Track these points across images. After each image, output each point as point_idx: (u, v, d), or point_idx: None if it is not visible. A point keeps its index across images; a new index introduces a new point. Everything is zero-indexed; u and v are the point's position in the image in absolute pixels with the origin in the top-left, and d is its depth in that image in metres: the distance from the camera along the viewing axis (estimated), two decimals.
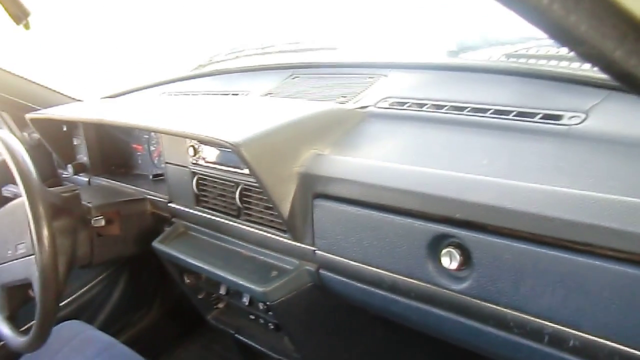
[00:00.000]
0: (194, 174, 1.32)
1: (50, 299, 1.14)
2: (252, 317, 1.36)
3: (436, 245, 0.86)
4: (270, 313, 1.24)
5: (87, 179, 1.72)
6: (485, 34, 1.33)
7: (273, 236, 1.15)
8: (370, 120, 1.16)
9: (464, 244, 0.83)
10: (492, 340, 0.83)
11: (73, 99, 1.86)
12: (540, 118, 0.94)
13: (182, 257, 1.30)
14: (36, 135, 1.78)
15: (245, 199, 1.20)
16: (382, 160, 0.97)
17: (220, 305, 1.49)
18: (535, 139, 0.90)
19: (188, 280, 1.44)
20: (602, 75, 0.95)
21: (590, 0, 0.23)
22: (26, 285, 1.23)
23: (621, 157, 0.81)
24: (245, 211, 1.21)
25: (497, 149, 0.92)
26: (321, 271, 1.07)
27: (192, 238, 1.38)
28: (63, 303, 1.71)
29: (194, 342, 2.00)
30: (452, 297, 0.86)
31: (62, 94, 1.84)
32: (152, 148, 1.66)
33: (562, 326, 0.74)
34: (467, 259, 0.83)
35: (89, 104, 1.76)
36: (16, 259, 1.24)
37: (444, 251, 0.85)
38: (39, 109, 1.68)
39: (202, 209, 1.33)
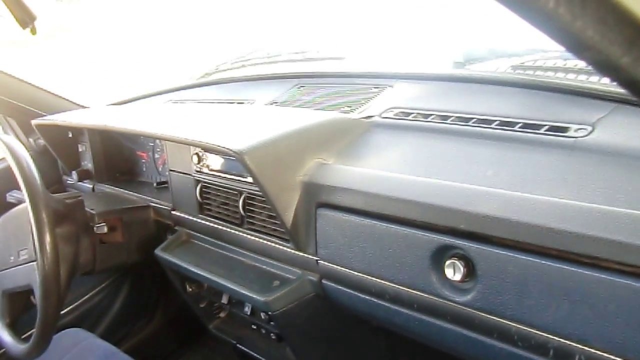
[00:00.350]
0: (198, 181, 1.32)
1: (52, 306, 1.13)
2: (254, 327, 1.35)
3: (440, 256, 0.85)
4: (272, 323, 1.23)
5: (91, 186, 1.72)
6: (492, 46, 1.33)
7: (276, 245, 1.14)
8: (375, 130, 1.15)
9: (468, 256, 0.82)
10: (496, 354, 0.82)
11: (79, 105, 1.87)
12: (547, 130, 0.94)
13: (184, 265, 1.30)
14: (42, 141, 1.79)
15: (248, 207, 1.20)
16: (387, 170, 0.97)
17: (222, 315, 1.49)
18: (541, 151, 0.90)
19: (190, 289, 1.43)
20: (609, 88, 0.94)
21: (597, 5, 0.22)
22: (28, 292, 1.22)
23: (628, 170, 0.80)
24: (249, 220, 1.21)
25: (503, 160, 0.91)
26: (324, 281, 1.06)
27: (195, 246, 1.37)
28: (64, 311, 1.70)
29: (195, 352, 1.99)
30: (455, 309, 0.85)
31: (68, 100, 1.85)
32: (156, 155, 1.66)
33: (568, 340, 0.72)
34: (471, 271, 0.82)
35: (95, 111, 1.76)
36: (18, 265, 1.23)
37: (447, 262, 0.84)
38: (45, 115, 1.69)
39: (205, 217, 1.33)
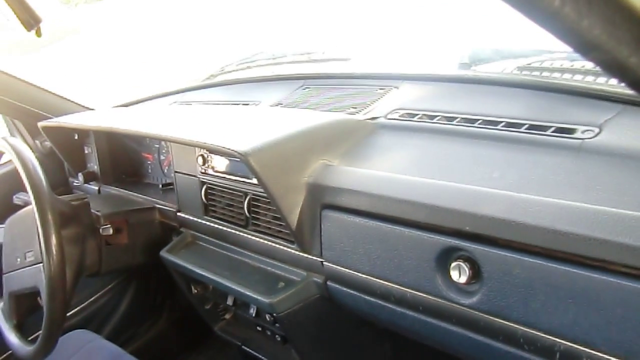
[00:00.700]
0: (203, 183, 1.32)
1: (58, 307, 1.13)
2: (259, 328, 1.35)
3: (445, 258, 0.85)
4: (277, 325, 1.23)
5: (97, 188, 1.73)
6: (498, 47, 1.32)
7: (281, 247, 1.14)
8: (381, 131, 1.15)
9: (473, 258, 0.81)
10: (502, 357, 0.81)
11: (85, 107, 1.87)
12: (553, 131, 0.93)
13: (189, 267, 1.30)
14: (48, 143, 1.79)
15: (253, 209, 1.20)
16: (392, 171, 0.96)
17: (227, 316, 1.48)
18: (548, 153, 0.89)
19: (195, 291, 1.43)
20: (616, 89, 0.94)
21: (604, 4, 0.22)
22: (34, 294, 1.23)
23: (635, 172, 0.79)
24: (254, 221, 1.21)
25: (509, 161, 0.91)
26: (329, 283, 1.06)
27: (200, 248, 1.37)
28: (71, 312, 1.71)
29: (201, 354, 1.99)
30: (461, 312, 0.85)
31: (74, 102, 1.85)
32: (162, 157, 1.66)
33: (574, 344, 0.72)
34: (476, 273, 0.81)
35: (101, 113, 1.77)
36: (25, 267, 1.24)
37: (453, 264, 0.83)
38: (52, 117, 1.70)
39: (210, 218, 1.33)
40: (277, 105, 1.48)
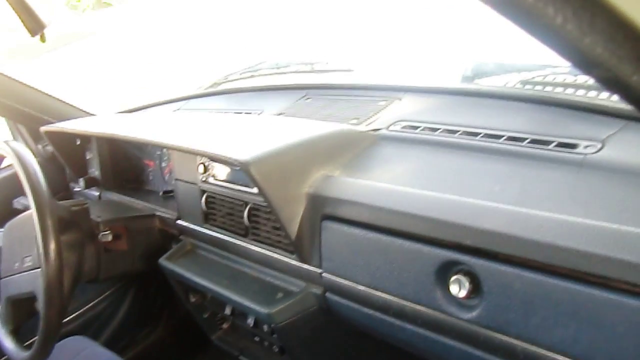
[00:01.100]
0: (203, 191, 1.32)
1: (54, 313, 1.13)
2: (257, 339, 1.34)
3: (445, 271, 0.84)
4: (274, 335, 1.22)
5: (98, 193, 1.72)
6: (501, 60, 1.32)
7: (280, 257, 1.14)
8: (382, 143, 1.15)
9: (473, 272, 0.81)
10: None
11: (88, 113, 1.88)
12: (555, 146, 0.93)
13: (187, 275, 1.29)
14: (50, 148, 1.79)
15: (253, 218, 1.19)
16: (393, 183, 0.96)
17: (225, 326, 1.48)
18: (550, 167, 0.89)
19: (193, 299, 1.42)
20: (619, 105, 0.93)
21: (606, 22, 0.22)
22: (31, 299, 1.22)
23: (637, 188, 0.79)
24: (253, 231, 1.20)
25: (510, 175, 0.90)
26: (327, 294, 1.05)
27: (199, 256, 1.37)
28: (68, 318, 1.70)
29: None
30: (460, 326, 0.84)
31: (77, 107, 1.86)
32: (163, 164, 1.66)
33: None
34: (476, 287, 0.81)
35: (103, 119, 1.77)
36: (23, 272, 1.23)
37: (453, 278, 0.83)
38: (54, 122, 1.70)
39: (210, 227, 1.32)
40: (279, 114, 1.48)
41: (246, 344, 1.42)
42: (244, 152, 1.02)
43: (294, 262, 1.10)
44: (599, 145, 0.89)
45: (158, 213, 1.50)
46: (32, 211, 1.13)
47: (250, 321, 1.28)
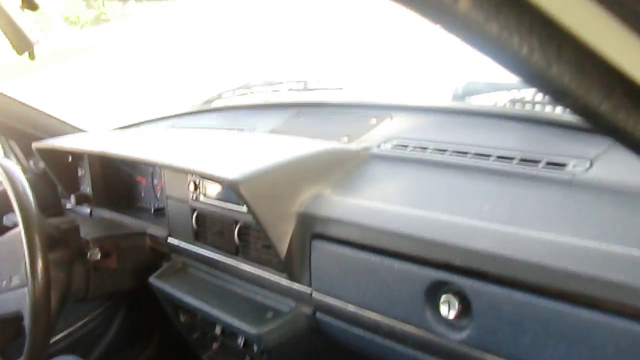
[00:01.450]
0: (194, 209, 1.31)
1: (40, 333, 1.11)
2: (247, 358, 1.32)
3: (435, 291, 0.84)
4: (264, 355, 1.21)
5: (89, 210, 1.71)
6: (491, 79, 1.33)
7: (270, 276, 1.13)
8: (373, 161, 1.15)
9: (463, 292, 0.80)
10: None
11: (80, 129, 1.87)
12: (544, 165, 0.93)
13: (177, 294, 1.28)
14: (42, 165, 1.79)
15: (243, 236, 1.19)
16: (383, 202, 0.96)
17: (215, 346, 1.46)
18: (539, 186, 0.89)
19: (183, 318, 1.41)
20: None
21: (573, 52, 0.21)
22: (18, 318, 1.21)
23: (627, 208, 0.79)
24: (244, 249, 1.19)
25: (500, 195, 0.90)
26: (317, 314, 1.04)
27: (189, 275, 1.36)
28: (57, 337, 1.68)
29: None
30: (450, 347, 0.83)
31: (69, 124, 1.85)
32: (155, 181, 1.65)
33: None
34: (466, 308, 0.80)
35: (95, 135, 1.76)
36: (9, 290, 1.22)
37: (442, 298, 0.82)
38: (46, 138, 1.69)
39: (200, 245, 1.31)
40: (271, 132, 1.48)
41: None
42: (233, 171, 1.01)
43: (284, 281, 1.09)
44: (588, 164, 0.89)
45: (149, 231, 1.49)
46: (20, 229, 1.12)
47: (241, 341, 1.27)
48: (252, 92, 1.80)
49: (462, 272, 0.80)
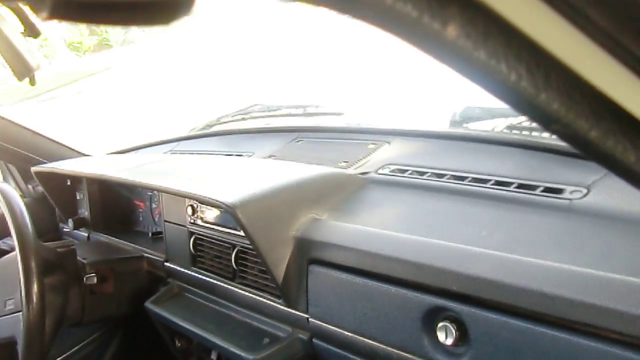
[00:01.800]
0: (192, 233, 1.31)
1: (33, 358, 1.10)
2: None
3: (432, 318, 0.83)
4: None
5: (86, 234, 1.71)
6: (489, 105, 1.34)
7: (267, 301, 1.12)
8: (371, 186, 1.15)
9: (460, 318, 0.79)
10: None
11: (79, 153, 1.88)
12: (542, 191, 0.93)
13: (173, 319, 1.27)
14: (40, 188, 1.78)
15: (241, 261, 1.18)
16: (380, 227, 0.95)
17: None
18: (536, 212, 0.89)
19: (179, 344, 1.39)
20: None
21: (561, 79, 0.22)
22: (12, 344, 1.19)
23: (624, 235, 0.79)
24: (241, 274, 1.19)
25: (497, 220, 0.90)
26: (314, 340, 1.03)
27: (186, 300, 1.34)
28: None
29: None
30: None
31: (68, 147, 1.86)
32: (153, 205, 1.65)
33: None
34: (463, 335, 0.79)
35: (93, 159, 1.77)
36: (4, 315, 1.21)
37: (439, 325, 0.81)
38: (45, 162, 1.70)
39: (198, 269, 1.30)
40: (270, 157, 1.48)
41: None
42: (230, 195, 1.01)
43: (280, 307, 1.08)
44: (585, 191, 0.89)
45: (146, 255, 1.48)
46: (17, 252, 1.12)
47: None
48: (251, 117, 1.81)
49: (459, 298, 0.79)
